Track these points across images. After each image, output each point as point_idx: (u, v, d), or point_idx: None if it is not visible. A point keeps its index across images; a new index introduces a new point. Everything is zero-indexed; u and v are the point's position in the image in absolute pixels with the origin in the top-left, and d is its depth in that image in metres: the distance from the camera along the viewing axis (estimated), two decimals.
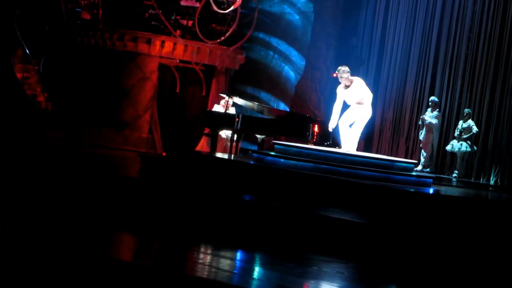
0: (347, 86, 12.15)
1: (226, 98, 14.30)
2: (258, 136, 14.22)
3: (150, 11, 17.85)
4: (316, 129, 13.19)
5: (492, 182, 16.22)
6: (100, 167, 13.11)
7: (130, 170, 13.24)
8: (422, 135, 16.73)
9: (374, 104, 14.68)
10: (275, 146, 12.45)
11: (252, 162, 12.10)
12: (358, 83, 12.18)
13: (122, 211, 10.04)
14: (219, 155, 13.21)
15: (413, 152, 17.75)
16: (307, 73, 19.02)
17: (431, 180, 12.37)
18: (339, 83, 12.24)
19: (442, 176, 16.16)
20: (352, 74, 12.27)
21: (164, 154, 16.32)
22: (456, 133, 16.28)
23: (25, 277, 6.53)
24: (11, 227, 8.06)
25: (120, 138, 16.98)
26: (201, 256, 8.14)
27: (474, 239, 9.10)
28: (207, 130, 15.41)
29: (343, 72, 12.08)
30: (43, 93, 17.61)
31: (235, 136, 13.92)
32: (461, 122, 16.28)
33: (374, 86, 18.43)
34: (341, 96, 12.21)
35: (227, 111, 14.04)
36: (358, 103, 12.16)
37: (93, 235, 8.42)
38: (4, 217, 8.55)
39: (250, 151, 14.75)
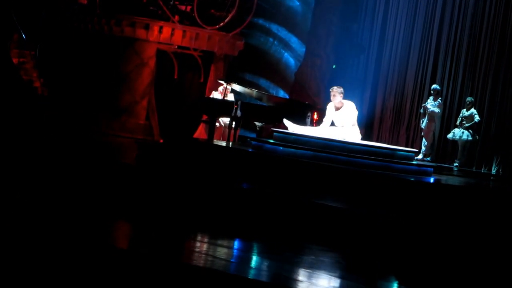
0: (337, 108, 11.96)
1: (225, 84, 14.21)
2: (256, 123, 14.11)
3: None
4: (315, 116, 13.12)
5: (493, 171, 16.12)
6: (96, 153, 13.05)
7: (127, 157, 13.20)
8: (423, 123, 16.59)
9: (375, 93, 14.61)
10: (274, 133, 12.35)
11: (250, 150, 12.02)
12: (350, 106, 11.94)
13: (118, 198, 10.00)
14: (217, 142, 13.12)
15: (413, 141, 17.63)
16: (307, 60, 18.88)
17: (432, 169, 12.31)
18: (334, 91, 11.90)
19: (443, 165, 16.04)
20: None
21: (161, 141, 16.26)
22: (458, 121, 16.17)
23: (24, 265, 6.48)
24: (8, 215, 7.98)
25: (117, 124, 16.90)
26: (198, 244, 8.12)
27: (475, 229, 9.07)
28: (205, 117, 15.32)
29: (336, 91, 11.89)
30: (40, 78, 17.55)
31: (234, 123, 13.81)
32: (463, 110, 16.15)
33: (374, 74, 18.31)
34: (331, 115, 12.04)
35: (225, 98, 13.95)
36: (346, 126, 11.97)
37: (89, 222, 8.36)
38: (1, 206, 8.47)
39: (248, 139, 14.63)
